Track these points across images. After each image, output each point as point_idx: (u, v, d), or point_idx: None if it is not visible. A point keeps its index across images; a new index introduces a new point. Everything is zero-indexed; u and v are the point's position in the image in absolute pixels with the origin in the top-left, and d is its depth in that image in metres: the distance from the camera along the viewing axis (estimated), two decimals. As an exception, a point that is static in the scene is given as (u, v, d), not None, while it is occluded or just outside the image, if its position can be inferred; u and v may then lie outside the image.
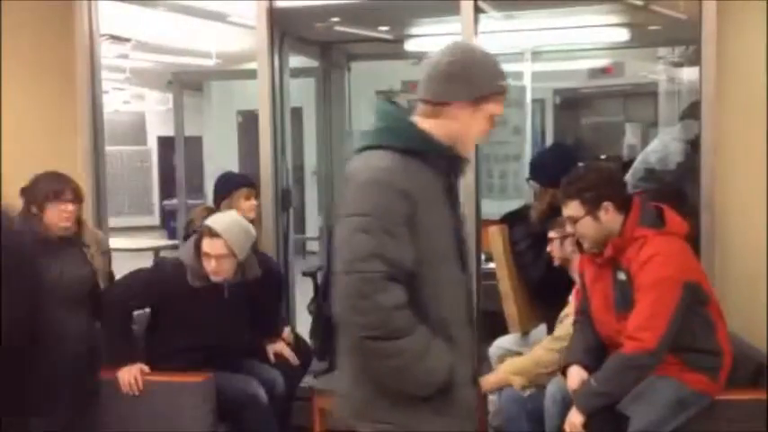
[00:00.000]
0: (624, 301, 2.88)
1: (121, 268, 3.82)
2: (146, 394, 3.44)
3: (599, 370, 2.88)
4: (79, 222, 3.52)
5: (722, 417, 2.92)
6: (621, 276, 2.91)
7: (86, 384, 3.38)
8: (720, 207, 3.70)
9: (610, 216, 2.93)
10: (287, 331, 4.05)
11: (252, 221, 3.75)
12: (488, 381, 3.41)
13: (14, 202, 3.38)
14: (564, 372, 3.07)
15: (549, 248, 3.53)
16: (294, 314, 4.96)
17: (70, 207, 3.33)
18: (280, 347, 3.89)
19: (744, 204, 3.62)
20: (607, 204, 2.92)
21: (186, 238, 3.85)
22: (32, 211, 3.36)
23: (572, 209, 2.97)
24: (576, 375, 2.99)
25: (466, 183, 4.17)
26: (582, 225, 2.96)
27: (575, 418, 2.85)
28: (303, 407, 3.78)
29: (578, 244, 3.16)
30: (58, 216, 3.29)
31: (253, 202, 4.02)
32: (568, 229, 3.08)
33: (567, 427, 2.87)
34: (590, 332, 3.08)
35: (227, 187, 4.08)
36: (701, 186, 3.76)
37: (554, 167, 3.51)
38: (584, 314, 3.15)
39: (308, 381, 4.11)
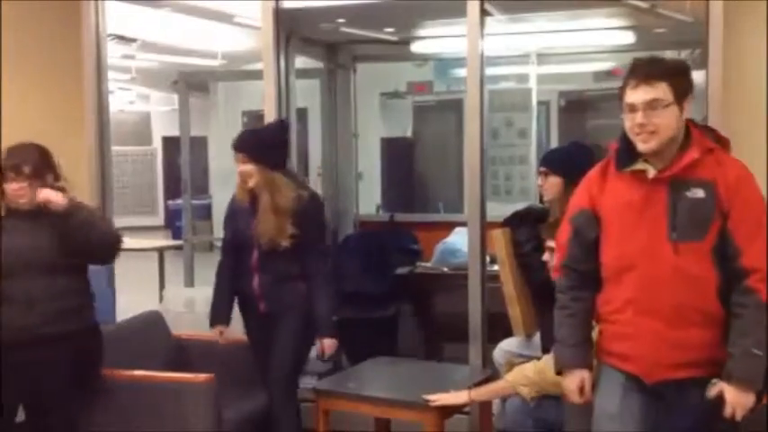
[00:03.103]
0: (695, 225, 2.37)
1: (124, 268, 3.82)
2: (148, 393, 3.45)
3: (741, 335, 2.34)
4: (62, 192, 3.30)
5: (722, 419, 2.90)
6: (697, 193, 2.37)
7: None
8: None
9: (686, 115, 2.44)
10: None
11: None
12: (496, 388, 3.38)
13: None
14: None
15: (545, 257, 3.20)
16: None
17: (21, 184, 3.25)
18: None
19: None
20: (690, 99, 2.43)
21: None
22: None
23: (659, 90, 2.37)
24: (578, 381, 2.56)
25: (471, 185, 4.17)
26: (667, 113, 2.37)
27: (745, 400, 2.36)
28: (307, 408, 3.78)
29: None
30: (12, 192, 3.25)
31: (246, 167, 3.54)
32: (639, 118, 2.38)
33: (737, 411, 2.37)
34: (587, 306, 2.57)
35: None
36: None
37: (582, 162, 3.40)
38: (577, 276, 2.59)
39: (311, 382, 4.11)
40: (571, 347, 2.57)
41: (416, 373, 3.99)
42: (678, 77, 2.42)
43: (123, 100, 13.20)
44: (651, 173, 2.42)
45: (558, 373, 2.64)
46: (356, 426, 3.87)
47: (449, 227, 5.39)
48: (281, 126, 3.79)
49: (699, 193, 2.38)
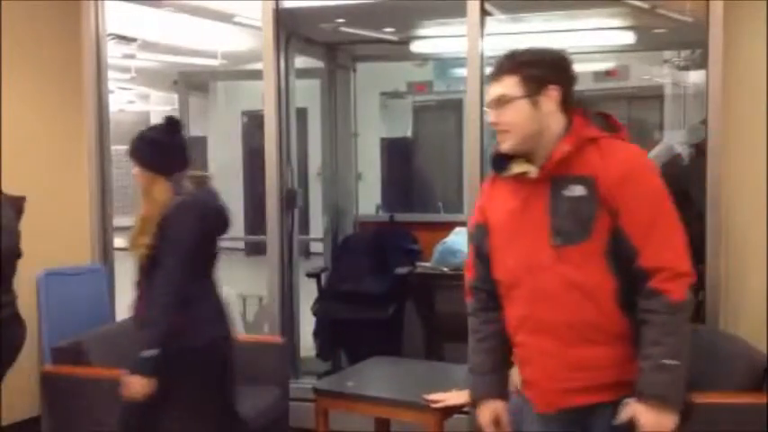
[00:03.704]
0: (577, 227, 2.08)
1: (124, 268, 3.82)
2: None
3: (650, 345, 2.01)
4: None
5: (721, 420, 2.91)
6: (577, 191, 2.09)
7: None
8: (726, 209, 3.70)
9: (552, 107, 2.14)
10: None
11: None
12: None
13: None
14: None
15: None
16: (298, 315, 4.97)
17: None
18: None
19: (749, 206, 3.61)
20: (553, 90, 2.13)
21: None
22: None
23: (505, 86, 2.14)
24: (490, 413, 2.31)
25: (471, 185, 4.17)
26: (514, 109, 2.13)
27: (662, 420, 2.01)
28: (306, 408, 3.78)
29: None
30: None
31: (134, 171, 3.36)
32: (490, 118, 2.20)
33: None
34: (499, 328, 2.28)
35: None
36: (708, 189, 3.77)
37: None
38: (485, 296, 2.33)
39: (311, 382, 4.11)
40: (483, 375, 2.31)
41: (416, 372, 3.99)
42: (531, 68, 2.14)
43: (123, 99, 13.19)
44: (533, 173, 2.15)
45: (474, 404, 2.36)
46: (355, 426, 3.87)
47: (448, 227, 5.39)
48: (168, 127, 3.26)
49: (577, 190, 2.08)
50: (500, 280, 2.23)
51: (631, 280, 2.05)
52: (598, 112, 2.23)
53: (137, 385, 2.92)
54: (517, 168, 2.18)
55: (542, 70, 2.15)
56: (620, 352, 2.07)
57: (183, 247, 3.00)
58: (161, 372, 2.92)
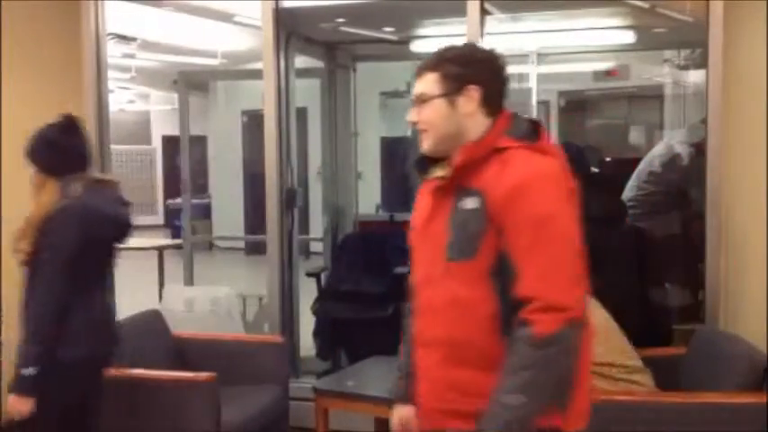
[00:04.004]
0: (465, 241, 1.93)
1: (124, 267, 3.82)
2: (148, 392, 3.45)
3: (503, 376, 1.85)
4: None
5: (721, 420, 2.91)
6: (469, 204, 1.94)
7: None
8: (726, 209, 3.70)
9: (471, 108, 1.99)
10: None
11: None
12: None
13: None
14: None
15: None
16: (298, 315, 4.97)
17: None
18: None
19: (749, 207, 3.61)
20: (473, 90, 1.98)
21: None
22: None
23: (425, 83, 2.02)
24: (398, 417, 2.21)
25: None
26: (431, 108, 2.01)
27: None
28: (306, 407, 3.79)
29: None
30: None
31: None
32: (411, 116, 2.08)
33: None
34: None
35: None
36: (708, 189, 3.77)
37: (587, 163, 3.37)
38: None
39: (311, 381, 4.11)
40: (401, 379, 2.21)
41: (416, 372, 3.98)
42: (453, 66, 2.00)
43: (123, 99, 13.20)
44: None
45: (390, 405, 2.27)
46: (355, 425, 3.88)
47: (448, 226, 5.38)
48: (64, 126, 3.04)
49: (470, 203, 1.93)
50: (410, 289, 2.14)
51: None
52: (528, 119, 2.06)
53: (15, 405, 2.73)
54: (436, 172, 2.05)
55: (464, 68, 2.01)
56: (495, 380, 1.86)
57: (63, 255, 2.81)
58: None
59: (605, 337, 3.17)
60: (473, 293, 1.92)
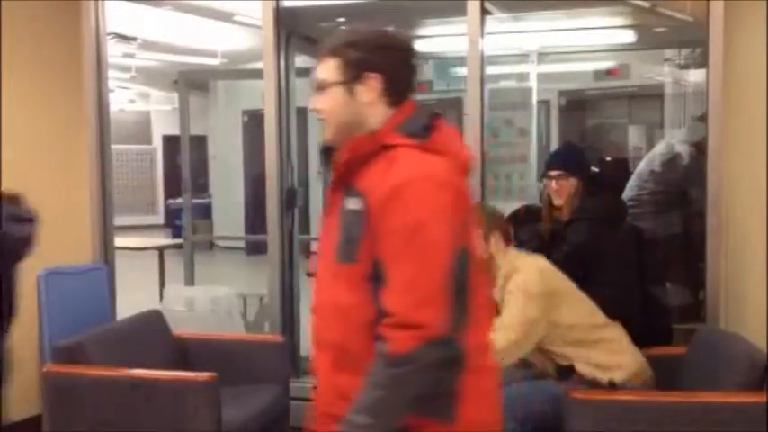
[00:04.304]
0: (347, 243, 1.82)
1: (125, 267, 3.83)
2: (148, 391, 3.45)
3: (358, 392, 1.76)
4: None
5: (721, 420, 2.91)
6: (351, 204, 1.82)
7: None
8: (727, 209, 3.70)
9: (371, 97, 1.86)
10: None
11: None
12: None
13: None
14: None
15: None
16: (299, 314, 4.97)
17: None
18: None
19: (750, 206, 3.61)
20: (373, 78, 1.85)
21: None
22: None
23: (325, 69, 1.90)
24: None
25: (471, 185, 4.17)
26: (330, 96, 1.89)
27: None
28: (307, 407, 3.78)
29: None
30: None
31: None
32: (311, 104, 1.97)
33: None
34: None
35: None
36: (708, 188, 3.77)
37: (589, 163, 3.39)
38: None
39: (311, 381, 4.10)
40: None
41: (416, 372, 3.98)
42: (354, 51, 1.87)
43: (123, 99, 13.21)
44: None
45: None
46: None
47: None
48: None
49: (352, 203, 1.81)
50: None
51: None
52: (429, 112, 1.92)
53: None
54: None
55: (366, 55, 1.86)
56: None
57: None
58: None
59: (566, 301, 3.21)
60: (354, 298, 1.82)
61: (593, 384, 3.14)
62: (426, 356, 1.71)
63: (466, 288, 1.82)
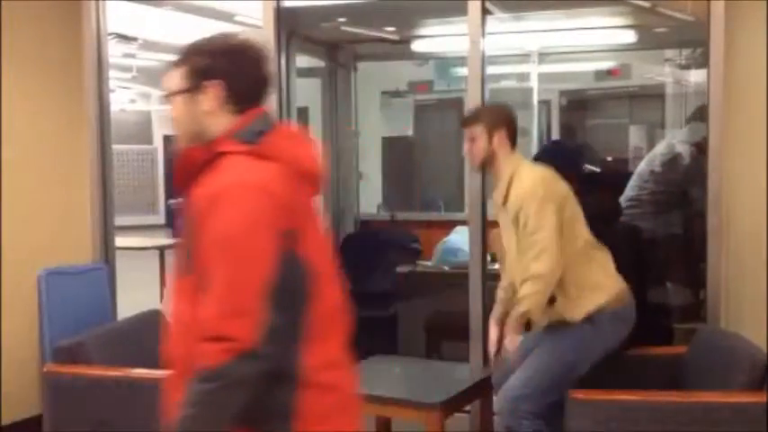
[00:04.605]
0: (186, 255, 1.80)
1: (126, 267, 3.83)
2: (148, 392, 3.44)
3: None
4: None
5: (721, 420, 2.90)
6: (189, 213, 1.80)
7: None
8: (727, 209, 3.70)
9: (212, 105, 1.83)
10: None
11: None
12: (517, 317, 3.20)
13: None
14: None
15: None
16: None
17: None
18: None
19: (750, 206, 3.61)
20: (215, 86, 1.81)
21: None
22: None
23: (171, 78, 1.87)
24: None
25: (472, 184, 4.17)
26: (175, 105, 1.87)
27: None
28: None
29: None
30: None
31: None
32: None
33: None
34: None
35: None
36: (709, 188, 3.76)
37: (573, 158, 3.41)
38: None
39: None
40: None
41: (417, 371, 3.99)
42: (197, 58, 1.85)
43: (124, 99, 13.20)
44: None
45: None
46: (357, 424, 3.87)
47: (449, 226, 5.39)
48: None
49: (190, 213, 1.80)
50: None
51: None
52: (272, 118, 1.91)
53: None
54: None
55: (209, 62, 1.83)
56: None
57: None
58: None
59: (569, 205, 3.22)
60: (191, 311, 1.74)
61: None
62: (237, 371, 1.65)
63: (300, 299, 1.77)
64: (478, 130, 3.28)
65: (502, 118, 3.30)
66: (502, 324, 3.29)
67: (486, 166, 3.35)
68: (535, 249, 3.07)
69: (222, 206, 1.68)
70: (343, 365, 1.90)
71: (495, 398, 3.52)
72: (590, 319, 3.16)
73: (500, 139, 3.25)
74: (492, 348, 3.36)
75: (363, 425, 3.80)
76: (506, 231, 3.32)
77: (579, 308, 3.17)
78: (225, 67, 1.82)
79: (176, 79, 1.85)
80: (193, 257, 1.74)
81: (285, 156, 1.79)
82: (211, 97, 1.82)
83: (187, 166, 1.82)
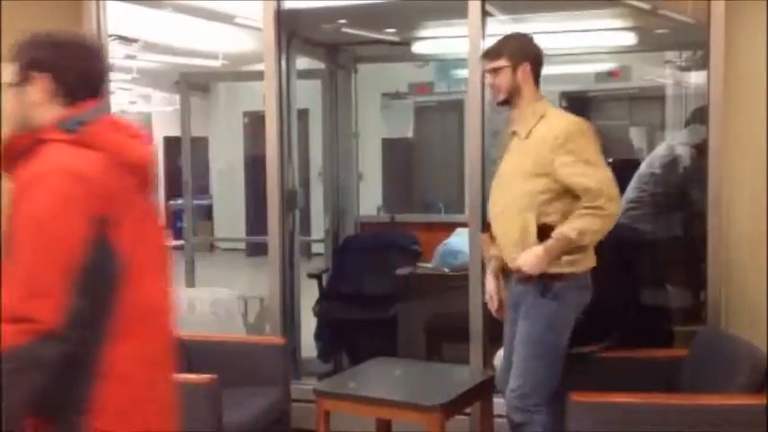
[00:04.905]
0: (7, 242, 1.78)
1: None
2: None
3: None
4: None
5: (721, 422, 2.90)
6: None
7: None
8: (727, 210, 3.70)
9: (38, 97, 1.87)
10: None
11: None
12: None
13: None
14: None
15: None
16: (299, 316, 4.97)
17: None
18: None
19: (750, 208, 3.61)
20: (42, 78, 1.86)
21: None
22: None
23: (6, 73, 1.91)
24: None
25: (472, 186, 4.17)
26: (8, 98, 1.92)
27: None
28: (308, 409, 3.78)
29: None
30: None
31: None
32: None
33: None
34: None
35: None
36: (708, 190, 3.76)
37: None
38: None
39: (312, 383, 4.11)
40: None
41: (417, 373, 3.99)
42: (26, 52, 1.88)
43: (125, 100, 13.20)
44: None
45: None
46: (357, 427, 3.87)
47: (449, 228, 5.39)
48: None
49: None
50: None
51: None
52: (103, 110, 1.93)
53: None
54: None
55: (35, 54, 1.87)
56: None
57: None
58: None
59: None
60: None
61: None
62: (36, 353, 1.64)
63: (108, 286, 1.78)
64: (501, 63, 3.16)
65: (526, 51, 3.18)
66: (498, 279, 3.28)
67: (510, 101, 3.21)
68: (609, 190, 3.00)
69: (34, 190, 1.71)
70: (158, 365, 1.90)
71: (504, 400, 3.52)
72: (554, 295, 3.09)
73: (524, 73, 3.15)
74: (491, 302, 3.33)
75: (364, 427, 3.82)
76: (509, 165, 3.25)
77: (571, 266, 3.09)
78: (52, 60, 1.86)
79: (9, 74, 1.88)
80: (10, 242, 1.74)
81: (109, 146, 1.82)
82: (39, 89, 1.85)
83: (8, 153, 1.85)
